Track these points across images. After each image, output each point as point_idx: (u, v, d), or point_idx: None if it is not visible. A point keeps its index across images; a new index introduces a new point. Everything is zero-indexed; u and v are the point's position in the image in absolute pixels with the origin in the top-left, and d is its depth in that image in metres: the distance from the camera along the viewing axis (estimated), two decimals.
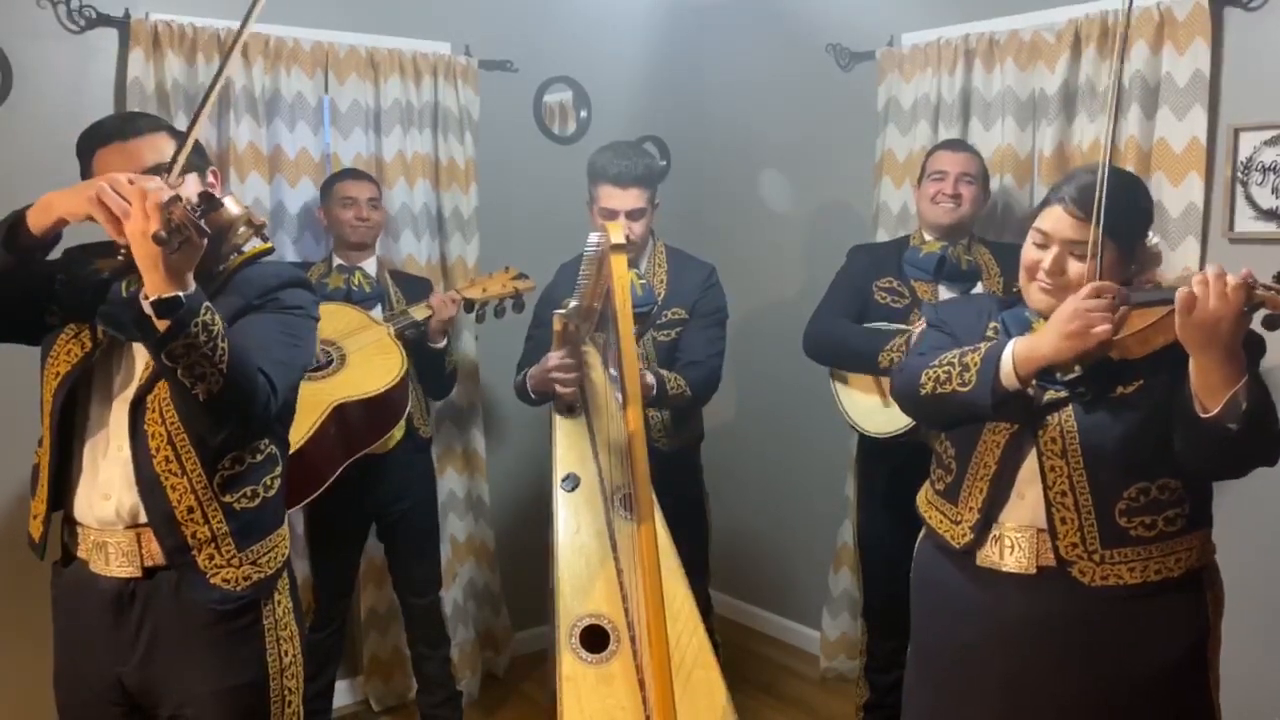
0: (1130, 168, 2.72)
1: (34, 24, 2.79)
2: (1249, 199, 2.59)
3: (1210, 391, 1.58)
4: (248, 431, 1.71)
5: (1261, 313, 1.53)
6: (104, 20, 2.86)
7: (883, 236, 3.27)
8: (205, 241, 1.50)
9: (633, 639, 2.02)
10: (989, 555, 1.82)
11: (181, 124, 2.85)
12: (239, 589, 1.73)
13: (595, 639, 2.03)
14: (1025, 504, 1.79)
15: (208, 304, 1.54)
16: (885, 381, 2.81)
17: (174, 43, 2.90)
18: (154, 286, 1.48)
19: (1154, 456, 1.71)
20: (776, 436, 3.94)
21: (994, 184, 3.00)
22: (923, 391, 1.81)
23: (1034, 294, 1.81)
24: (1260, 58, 2.57)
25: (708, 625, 2.20)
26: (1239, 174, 2.60)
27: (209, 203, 1.50)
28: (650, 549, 1.85)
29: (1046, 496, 1.75)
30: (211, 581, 1.71)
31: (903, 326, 2.77)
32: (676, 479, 2.74)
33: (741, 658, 3.74)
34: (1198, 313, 1.52)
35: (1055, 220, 1.76)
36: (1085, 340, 1.63)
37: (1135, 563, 1.73)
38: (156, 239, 1.43)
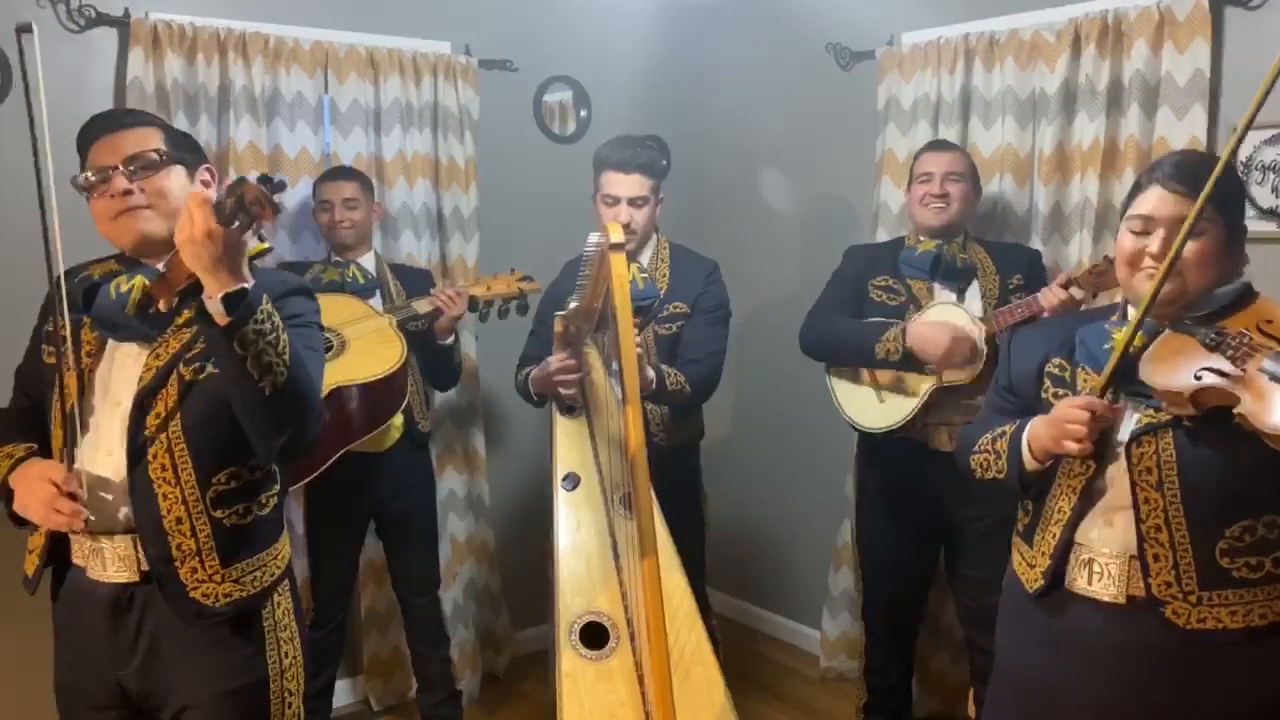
0: (1130, 167, 2.73)
1: (34, 23, 2.79)
2: (1249, 198, 2.58)
3: None
4: (304, 436, 1.67)
5: None
6: (104, 20, 2.86)
7: (883, 236, 3.27)
8: (274, 217, 1.50)
9: (632, 636, 2.02)
10: (1077, 580, 1.69)
11: (181, 124, 2.87)
12: (218, 605, 1.71)
13: (595, 636, 2.03)
14: (1115, 530, 1.65)
15: (265, 293, 1.55)
16: (881, 376, 2.82)
17: (174, 42, 2.90)
18: (219, 284, 1.50)
19: (1261, 493, 1.56)
20: (776, 435, 3.94)
21: (994, 184, 3.00)
22: (976, 476, 1.85)
23: (1139, 284, 1.66)
24: (1260, 57, 2.56)
25: (706, 624, 2.20)
26: (1239, 173, 2.59)
27: (271, 184, 1.50)
28: (650, 547, 1.85)
29: (1139, 530, 1.60)
30: (191, 595, 1.69)
31: (895, 322, 2.77)
32: (674, 477, 2.74)
33: (742, 657, 3.74)
34: None
35: (1157, 201, 1.64)
36: (1058, 448, 1.63)
37: (1237, 606, 1.57)
38: (218, 209, 1.44)
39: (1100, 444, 1.65)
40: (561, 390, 2.51)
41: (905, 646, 3.04)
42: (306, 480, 2.60)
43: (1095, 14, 2.78)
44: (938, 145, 2.90)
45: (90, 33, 2.86)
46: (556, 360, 2.52)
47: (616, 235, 1.97)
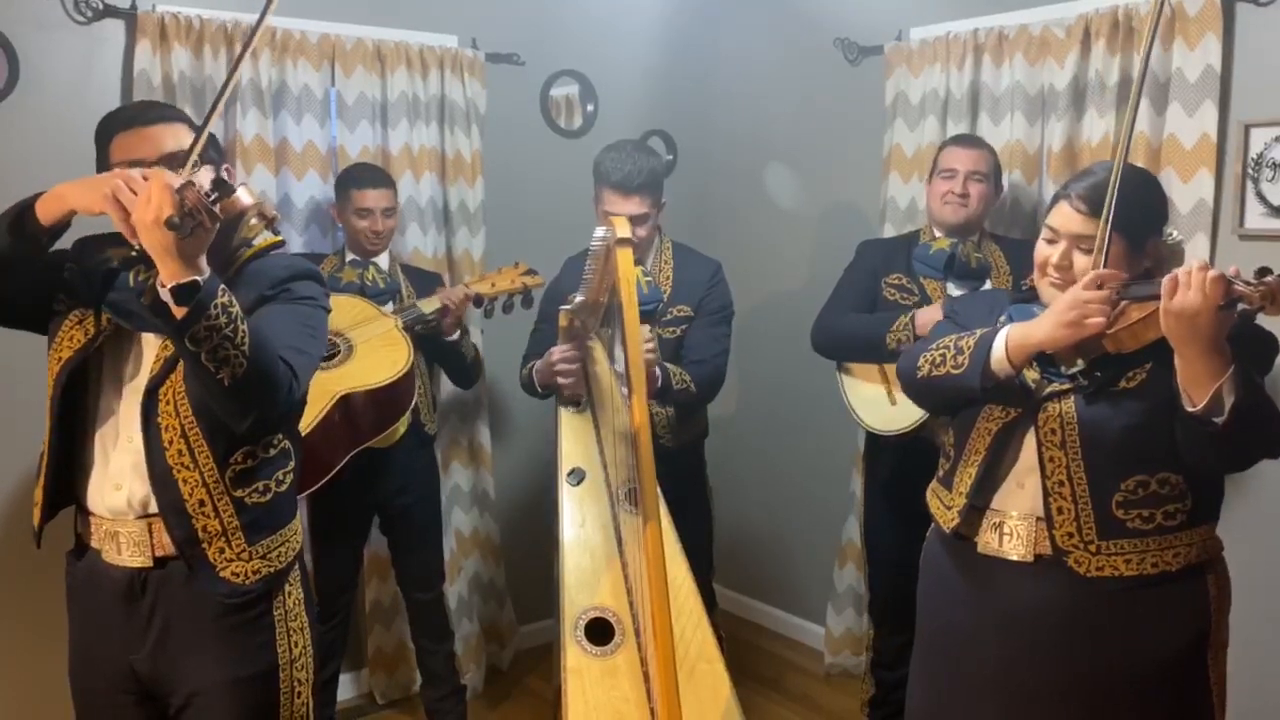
0: (1140, 163, 2.71)
1: (41, 15, 2.79)
2: (1259, 195, 2.57)
3: (1196, 385, 1.59)
4: (272, 418, 1.70)
5: (1241, 306, 1.53)
6: (111, 12, 2.85)
7: (890, 232, 3.26)
8: (217, 227, 1.50)
9: (637, 632, 2.02)
10: (989, 543, 1.84)
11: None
12: (248, 583, 1.73)
13: (599, 632, 2.03)
14: (1025, 493, 1.80)
15: (223, 286, 1.54)
16: (892, 376, 2.81)
17: (181, 35, 2.90)
18: (170, 274, 1.49)
19: (1154, 450, 1.72)
20: (781, 432, 3.94)
21: (1002, 180, 2.99)
22: (919, 374, 1.89)
23: (1045, 289, 1.84)
24: (1272, 54, 2.55)
25: (712, 620, 2.19)
26: (1249, 170, 2.58)
27: (221, 188, 1.51)
28: (655, 542, 1.84)
29: (1044, 486, 1.76)
30: (221, 574, 1.71)
31: (906, 307, 2.76)
32: (680, 474, 2.74)
33: (746, 653, 3.74)
34: (1176, 304, 1.54)
35: (1063, 217, 1.80)
36: (1080, 330, 1.68)
37: (1131, 555, 1.74)
38: (169, 224, 1.43)
39: (1017, 392, 1.79)
40: (561, 381, 2.50)
41: (912, 642, 3.03)
42: (316, 488, 2.59)
43: (1105, 10, 2.77)
44: (964, 140, 2.88)
45: (97, 25, 2.85)
46: (559, 352, 2.52)
47: (623, 230, 1.97)
